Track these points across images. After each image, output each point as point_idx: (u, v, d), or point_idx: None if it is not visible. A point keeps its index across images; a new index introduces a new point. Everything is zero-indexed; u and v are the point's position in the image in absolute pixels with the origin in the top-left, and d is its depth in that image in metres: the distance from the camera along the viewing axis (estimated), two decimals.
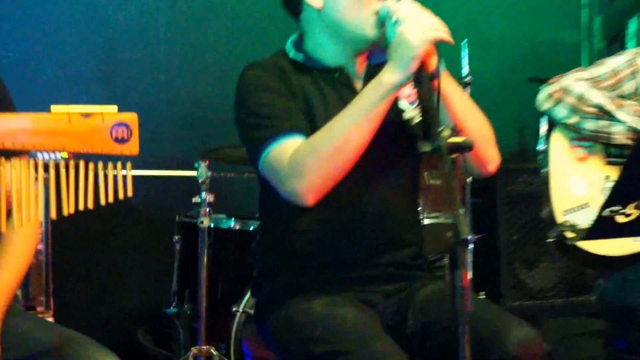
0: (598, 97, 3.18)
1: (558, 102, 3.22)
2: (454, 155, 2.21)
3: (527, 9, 5.45)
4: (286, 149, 2.49)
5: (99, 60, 4.70)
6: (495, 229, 4.69)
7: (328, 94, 2.66)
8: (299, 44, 2.71)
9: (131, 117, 2.15)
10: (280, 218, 2.72)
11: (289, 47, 2.72)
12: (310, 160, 2.45)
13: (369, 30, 2.57)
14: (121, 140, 2.14)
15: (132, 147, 2.14)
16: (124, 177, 2.14)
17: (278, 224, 2.75)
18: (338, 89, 2.68)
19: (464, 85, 3.94)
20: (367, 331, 2.50)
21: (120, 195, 2.14)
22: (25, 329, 2.46)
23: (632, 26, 5.49)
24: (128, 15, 4.73)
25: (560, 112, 3.22)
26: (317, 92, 2.66)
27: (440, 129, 2.22)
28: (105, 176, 2.13)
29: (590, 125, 3.20)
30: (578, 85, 3.21)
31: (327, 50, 2.68)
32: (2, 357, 2.35)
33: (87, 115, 2.13)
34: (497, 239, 4.65)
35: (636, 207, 2.59)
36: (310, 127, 2.55)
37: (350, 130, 2.45)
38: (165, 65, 4.81)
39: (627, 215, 2.54)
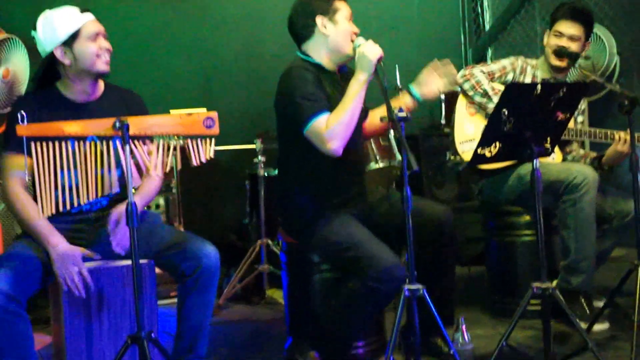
0: (486, 86, 3.12)
1: (466, 80, 3.16)
2: (400, 123, 2.21)
3: (428, 45, 5.19)
4: (322, 120, 2.38)
5: (199, 84, 4.65)
6: (420, 167, 4.55)
7: (330, 86, 2.55)
8: (307, 56, 2.60)
9: (214, 114, 2.15)
10: (304, 170, 2.58)
11: (304, 57, 2.59)
12: (338, 127, 2.36)
13: (350, 51, 2.51)
14: (209, 127, 2.12)
15: (215, 131, 2.14)
16: (211, 148, 2.15)
17: (302, 174, 2.60)
18: (333, 84, 2.57)
19: (398, 89, 3.80)
20: (372, 240, 2.42)
21: (208, 157, 2.14)
22: (166, 233, 2.44)
23: (489, 53, 5.38)
24: (216, 58, 4.67)
25: (465, 86, 3.16)
26: (327, 85, 2.54)
27: (392, 108, 2.22)
28: (199, 147, 2.13)
29: (477, 99, 3.15)
30: (480, 75, 3.15)
31: (324, 62, 2.58)
32: (157, 247, 2.35)
33: (189, 114, 2.12)
34: (420, 173, 4.54)
35: (494, 147, 2.54)
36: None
37: (353, 106, 2.37)
38: (235, 83, 4.73)
39: (490, 152, 2.50)
